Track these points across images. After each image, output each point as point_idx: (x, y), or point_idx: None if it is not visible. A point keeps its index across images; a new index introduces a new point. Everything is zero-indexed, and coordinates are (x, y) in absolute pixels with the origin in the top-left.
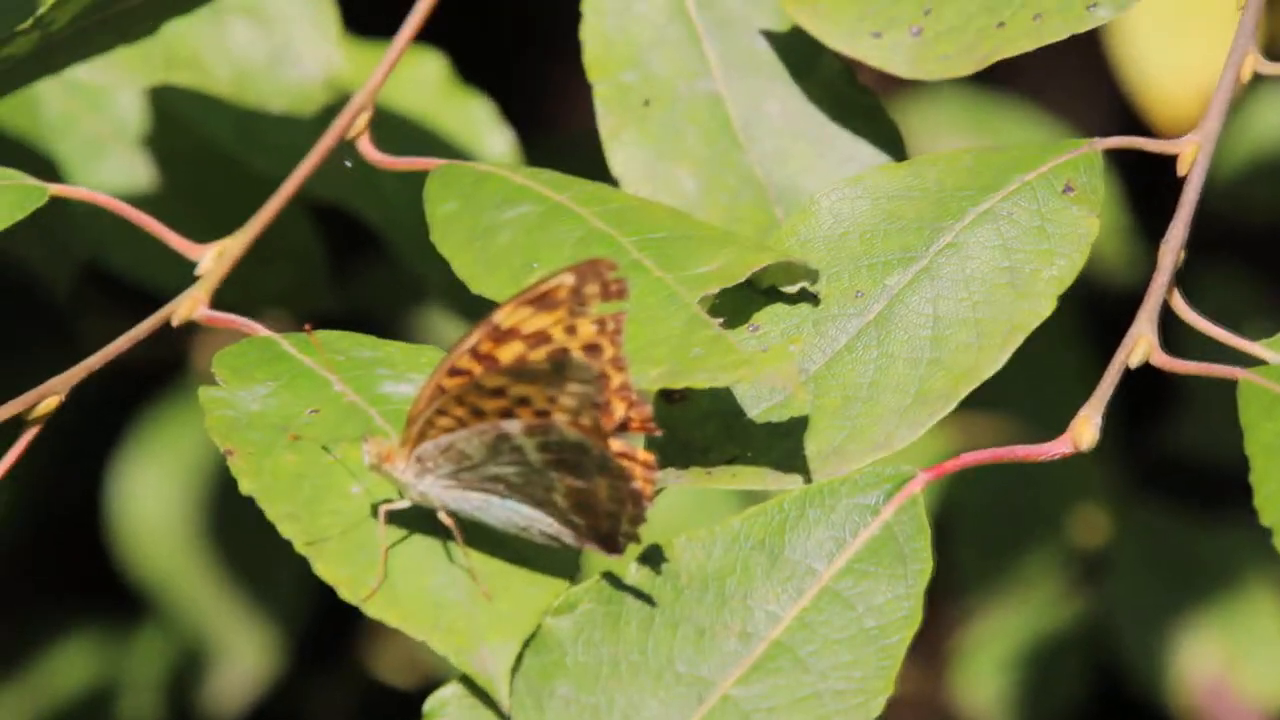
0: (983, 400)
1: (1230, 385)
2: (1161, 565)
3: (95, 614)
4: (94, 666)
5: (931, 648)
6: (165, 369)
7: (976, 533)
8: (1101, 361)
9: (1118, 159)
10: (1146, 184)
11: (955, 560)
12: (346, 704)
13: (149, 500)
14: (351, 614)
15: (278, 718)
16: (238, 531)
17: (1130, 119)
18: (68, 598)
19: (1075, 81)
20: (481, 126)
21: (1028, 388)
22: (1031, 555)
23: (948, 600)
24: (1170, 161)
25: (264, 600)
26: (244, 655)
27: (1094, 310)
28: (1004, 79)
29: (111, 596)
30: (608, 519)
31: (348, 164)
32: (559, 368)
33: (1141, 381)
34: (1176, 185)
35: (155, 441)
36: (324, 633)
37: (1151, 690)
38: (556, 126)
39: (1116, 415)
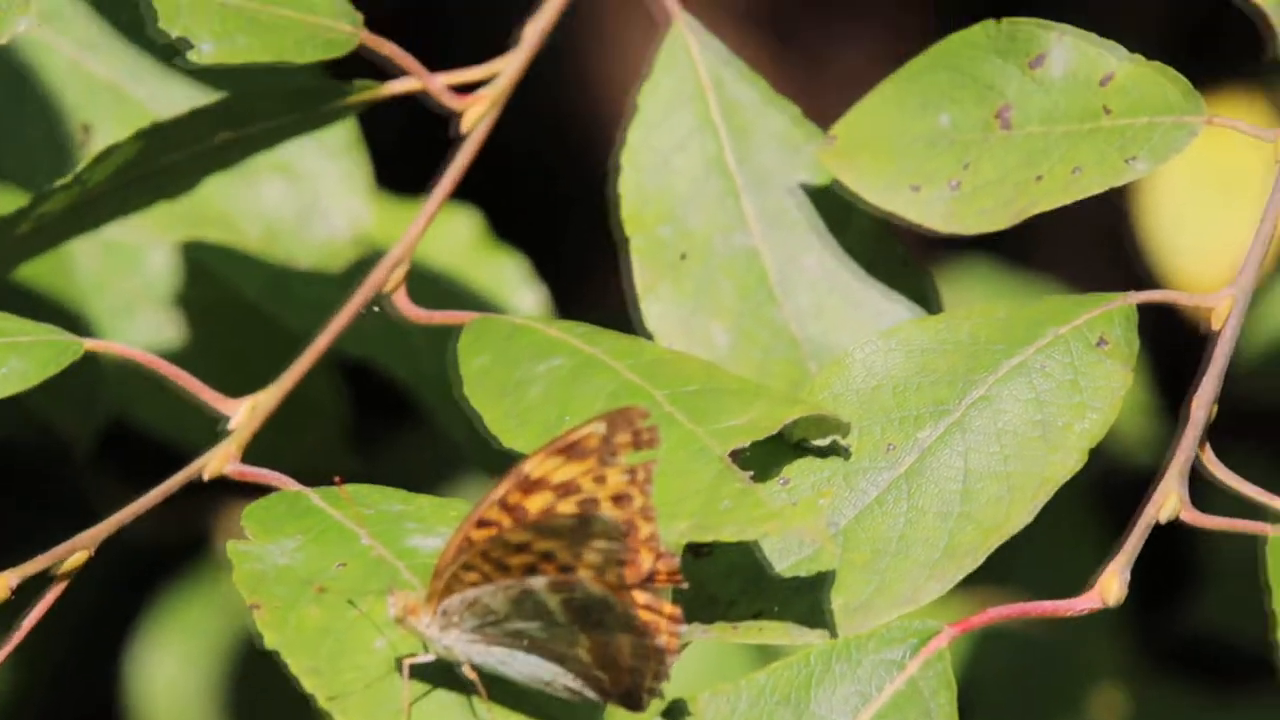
0: (998, 575)
1: (1248, 558)
2: None
3: None
4: None
5: None
6: (188, 547)
7: (994, 711)
8: (1117, 530)
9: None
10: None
11: None
12: None
13: (167, 680)
14: None
15: None
16: (255, 712)
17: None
18: None
19: (1105, 259)
20: (513, 283)
21: (1045, 564)
22: None
23: None
24: (1187, 330)
25: None
26: None
27: (1112, 488)
28: (1032, 254)
29: None
30: (631, 675)
31: (375, 309)
32: (584, 523)
33: (1159, 560)
34: (1195, 352)
35: (174, 620)
36: None
37: None
38: (591, 279)
39: (1135, 593)
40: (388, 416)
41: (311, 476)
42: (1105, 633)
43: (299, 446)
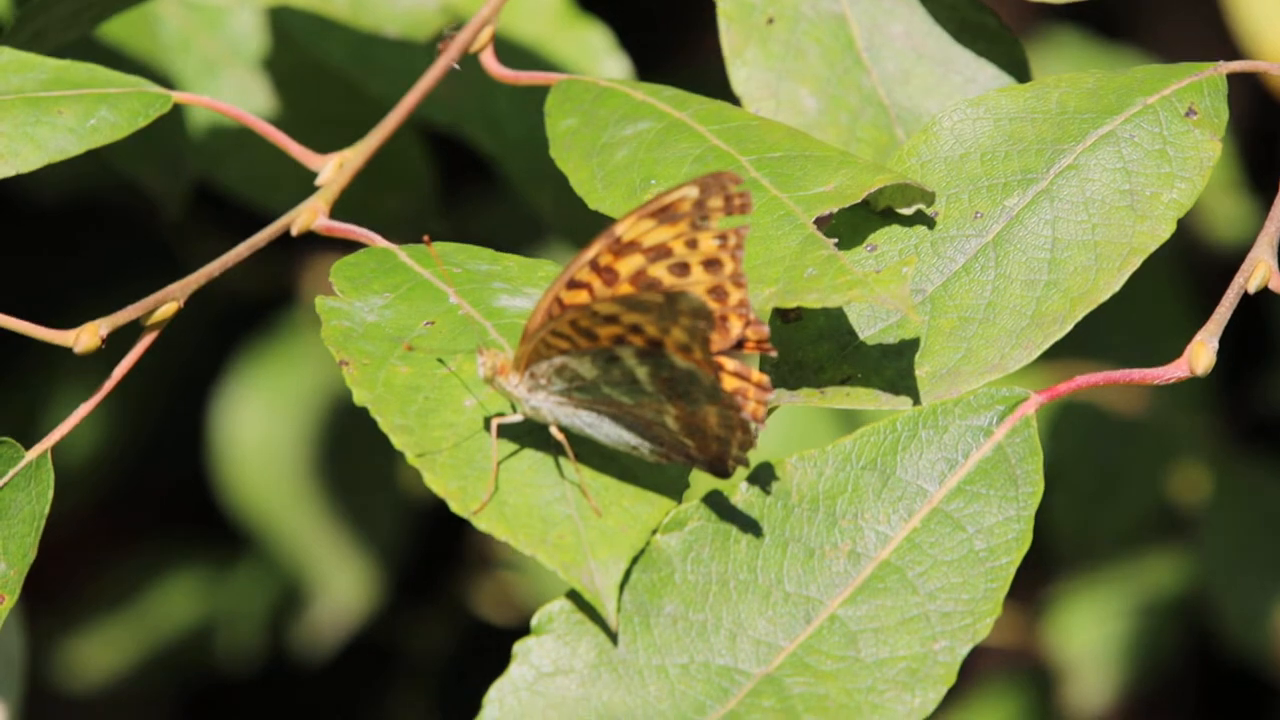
0: (1085, 349)
1: None
2: (1261, 522)
3: (199, 545)
4: (197, 598)
5: (1025, 598)
6: (274, 300)
7: (1073, 483)
8: (1200, 308)
9: (1231, 110)
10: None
11: (1050, 510)
12: (442, 639)
13: (252, 432)
14: (449, 550)
15: (375, 652)
16: (340, 466)
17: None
18: (171, 528)
19: (1193, 36)
20: (598, 53)
21: (1132, 338)
22: (1128, 509)
23: (1041, 551)
24: (1273, 110)
25: (363, 536)
26: (342, 590)
27: (1200, 264)
28: (1123, 31)
29: (213, 528)
30: (717, 443)
31: (458, 68)
32: (672, 300)
33: (1243, 337)
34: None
35: (260, 372)
36: (421, 568)
37: (1248, 648)
38: (672, 54)
39: (1220, 368)
40: (475, 183)
41: (400, 238)
42: (1187, 410)
43: (387, 208)
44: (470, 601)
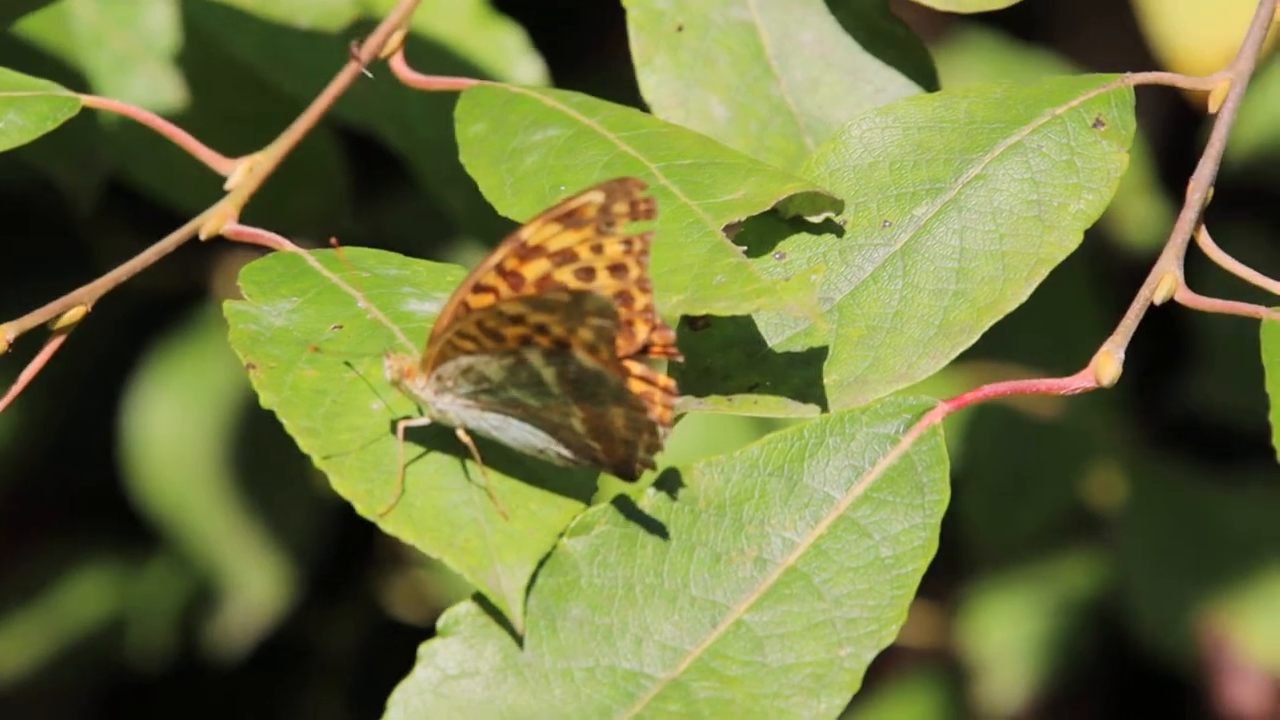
0: (998, 351)
1: (1247, 338)
2: (1175, 523)
3: (109, 542)
4: (108, 595)
5: (940, 597)
6: (186, 297)
7: (987, 485)
8: (1118, 314)
9: (1142, 117)
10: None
11: (965, 511)
12: (356, 638)
13: (165, 429)
14: (362, 548)
15: (287, 650)
16: (252, 464)
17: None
18: (83, 525)
19: (1107, 39)
20: (511, 54)
21: (1044, 341)
22: (1042, 509)
23: (956, 551)
24: (1190, 117)
25: (276, 533)
26: (255, 587)
27: (1112, 266)
28: (1037, 33)
29: (125, 525)
30: (624, 446)
31: (369, 74)
32: (578, 299)
33: (1157, 337)
34: (1195, 137)
35: (173, 370)
36: (334, 567)
37: (1161, 648)
38: (587, 55)
39: (1132, 369)
40: (388, 180)
41: (312, 239)
42: (1102, 412)
43: (299, 207)
44: (383, 600)
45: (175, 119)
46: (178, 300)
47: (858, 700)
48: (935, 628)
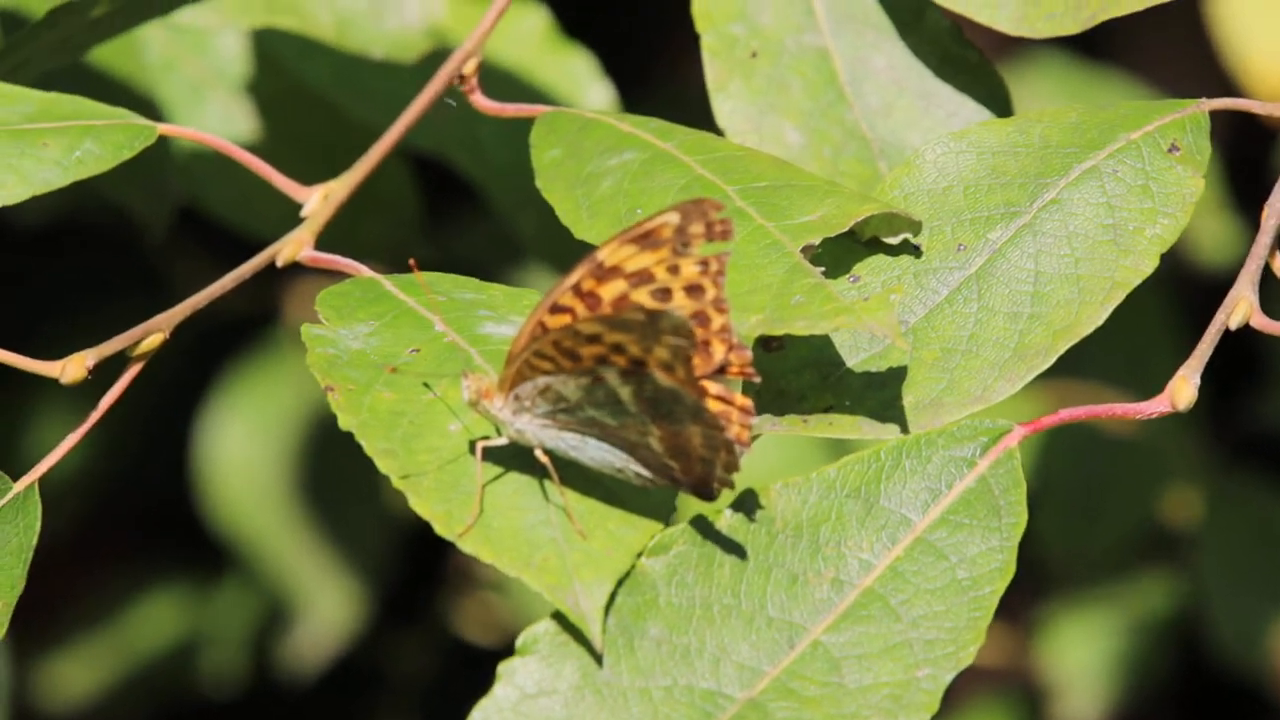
0: (1074, 369)
1: None
2: (1252, 541)
3: (182, 565)
4: (179, 618)
5: (1016, 616)
6: (257, 321)
7: (1063, 503)
8: (1193, 333)
9: (1216, 136)
10: (1241, 160)
11: (1040, 530)
12: (427, 660)
13: (236, 452)
14: (434, 570)
15: (358, 673)
16: (324, 486)
17: (1225, 86)
18: (155, 548)
19: (1178, 56)
20: (582, 80)
21: (1120, 359)
22: (1118, 528)
23: (1032, 570)
24: (1265, 137)
25: (348, 555)
26: (327, 610)
27: (1186, 284)
28: (1107, 51)
29: (198, 548)
30: (702, 464)
31: (450, 103)
32: (654, 319)
33: (1232, 356)
34: (1270, 154)
35: (244, 393)
36: (406, 589)
37: (1238, 667)
38: (659, 82)
39: (1208, 387)
40: (458, 204)
41: (386, 264)
42: (1178, 431)
43: (372, 233)
44: (453, 622)
45: (247, 146)
46: (250, 323)
47: (938, 718)
48: (1011, 647)
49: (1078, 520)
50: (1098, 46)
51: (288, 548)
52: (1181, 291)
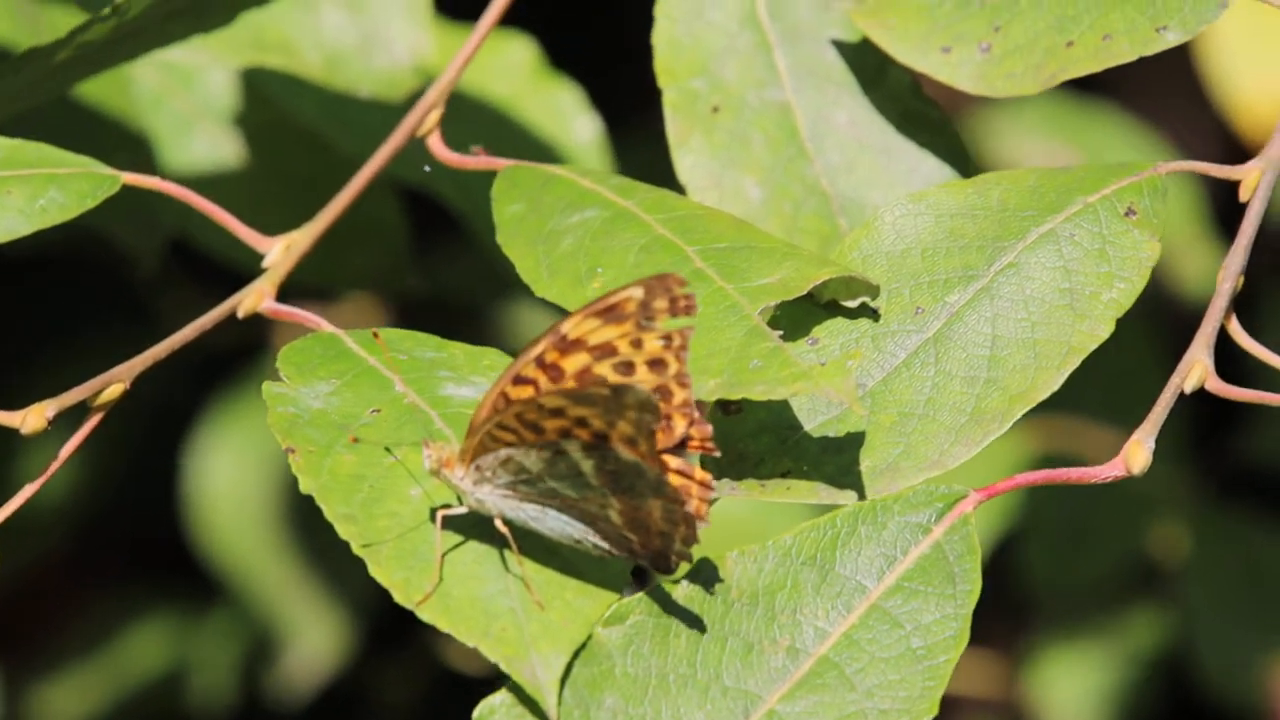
0: (1060, 402)
1: None
2: (1240, 576)
3: (170, 593)
4: (168, 646)
5: (1008, 653)
6: (243, 351)
7: (1049, 537)
8: (1176, 363)
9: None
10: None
11: (1030, 568)
12: (414, 689)
13: (225, 481)
14: None
15: (346, 701)
16: (311, 515)
17: (1214, 121)
18: (143, 576)
19: (1168, 89)
20: (569, 113)
21: (1105, 390)
22: (1106, 562)
23: (1024, 607)
24: (1243, 157)
25: (335, 584)
26: (315, 638)
27: (1168, 315)
28: (1096, 83)
29: (186, 576)
30: (660, 538)
31: (427, 169)
32: (618, 393)
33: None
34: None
35: (233, 423)
36: (393, 618)
37: (1227, 701)
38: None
39: (1192, 425)
40: (445, 233)
41: (374, 296)
42: (1165, 465)
43: (361, 266)
44: (441, 652)
45: (235, 178)
46: (238, 354)
47: None
48: (1000, 679)
49: (1064, 553)
50: (1086, 79)
51: (276, 577)
52: (1165, 322)
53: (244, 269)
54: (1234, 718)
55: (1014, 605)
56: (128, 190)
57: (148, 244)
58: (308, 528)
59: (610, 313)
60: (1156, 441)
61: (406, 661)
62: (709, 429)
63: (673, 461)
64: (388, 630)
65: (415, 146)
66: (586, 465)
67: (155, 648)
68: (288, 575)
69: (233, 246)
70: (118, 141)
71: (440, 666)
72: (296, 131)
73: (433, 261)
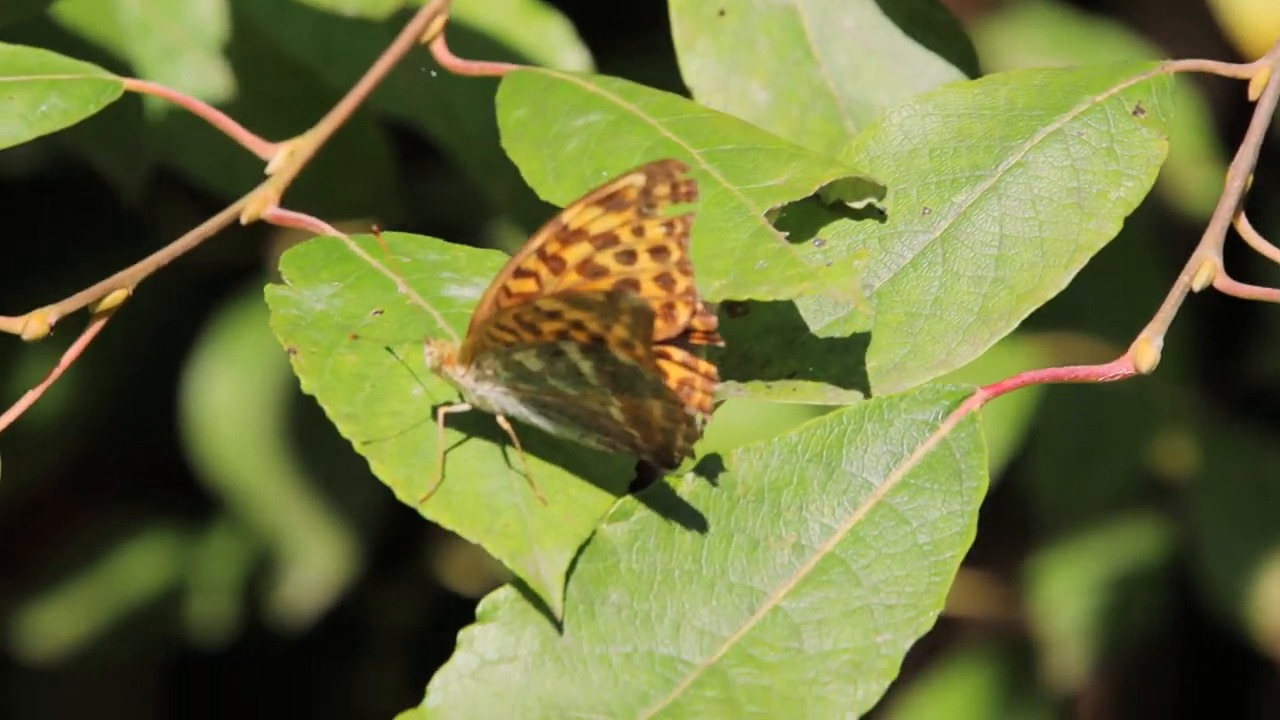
0: (1067, 322)
1: None
2: (1246, 491)
3: (170, 511)
4: (167, 566)
5: (1008, 568)
6: (243, 269)
7: (1056, 452)
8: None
9: (1202, 81)
10: (1231, 107)
11: (1034, 478)
12: (415, 609)
13: (226, 400)
14: (422, 521)
15: (348, 622)
16: (313, 435)
17: (1219, 40)
18: (143, 494)
19: (1171, 8)
20: (557, 44)
21: (1107, 308)
22: (1112, 477)
23: (1025, 521)
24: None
25: (337, 505)
26: (317, 559)
27: (1174, 232)
28: (1099, 2)
29: (186, 495)
30: (662, 434)
31: (431, 73)
32: (613, 298)
33: (1227, 308)
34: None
35: (233, 341)
36: (395, 539)
37: (1232, 617)
38: (632, 45)
39: (1202, 342)
40: (430, 163)
41: (360, 226)
42: (1172, 380)
43: (347, 194)
44: (441, 572)
45: (222, 107)
46: (238, 271)
47: (926, 672)
48: (1002, 599)
49: (1070, 467)
50: None
51: (277, 495)
52: (1169, 241)
53: (231, 195)
54: (1238, 634)
55: (1016, 523)
56: (112, 119)
57: (132, 172)
58: (309, 448)
59: (611, 200)
60: (1164, 355)
61: (408, 583)
62: (713, 320)
63: (676, 353)
64: (389, 552)
65: (402, 76)
66: (585, 366)
67: (154, 567)
68: (289, 495)
69: (220, 169)
70: (105, 69)
71: (440, 587)
72: (283, 60)
73: (417, 188)
